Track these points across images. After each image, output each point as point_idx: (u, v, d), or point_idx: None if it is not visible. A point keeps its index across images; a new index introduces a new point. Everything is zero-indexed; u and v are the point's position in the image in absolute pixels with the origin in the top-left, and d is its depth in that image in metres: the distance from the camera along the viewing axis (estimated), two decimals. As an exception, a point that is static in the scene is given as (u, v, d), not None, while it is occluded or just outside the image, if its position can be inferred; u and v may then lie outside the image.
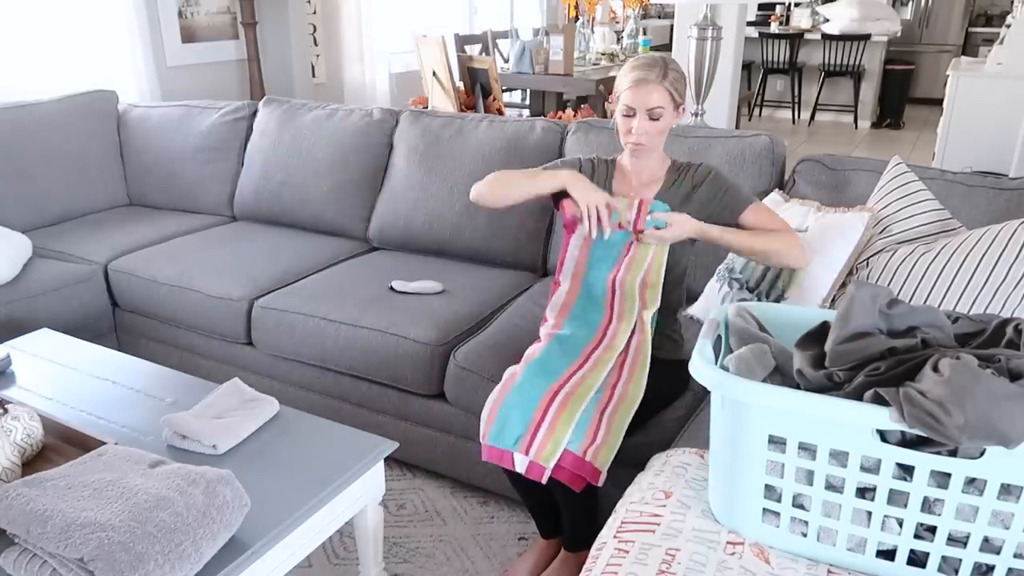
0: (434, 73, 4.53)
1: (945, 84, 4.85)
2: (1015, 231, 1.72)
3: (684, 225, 1.69)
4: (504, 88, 5.13)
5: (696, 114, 3.45)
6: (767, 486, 1.14)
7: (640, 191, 1.83)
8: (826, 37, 7.41)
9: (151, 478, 1.24)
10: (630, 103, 1.72)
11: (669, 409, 1.80)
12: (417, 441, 2.20)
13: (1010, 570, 1.03)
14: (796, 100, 7.87)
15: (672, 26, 5.12)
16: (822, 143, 6.99)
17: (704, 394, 1.84)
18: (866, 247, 1.93)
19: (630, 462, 1.70)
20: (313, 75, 4.79)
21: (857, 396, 1.04)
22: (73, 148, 3.10)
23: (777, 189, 2.19)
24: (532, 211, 2.49)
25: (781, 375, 1.20)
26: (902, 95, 7.73)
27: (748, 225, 1.78)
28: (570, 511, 1.74)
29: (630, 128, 1.74)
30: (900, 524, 1.07)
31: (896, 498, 1.05)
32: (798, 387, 1.13)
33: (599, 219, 1.69)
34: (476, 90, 4.61)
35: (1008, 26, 4.74)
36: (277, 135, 2.96)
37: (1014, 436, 0.92)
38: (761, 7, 8.53)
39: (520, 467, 1.57)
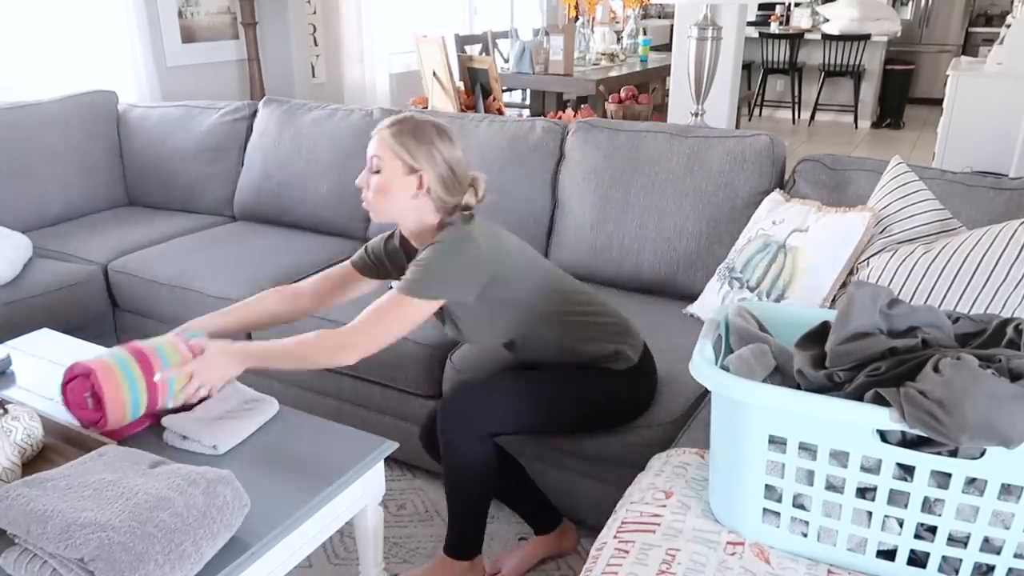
0: (434, 73, 4.53)
1: (945, 84, 4.85)
2: (1015, 231, 1.72)
3: (212, 372, 1.51)
4: (504, 88, 5.13)
5: (696, 114, 3.45)
6: (767, 486, 1.14)
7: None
8: (826, 37, 7.41)
9: (151, 478, 1.24)
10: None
11: (663, 412, 1.78)
12: (417, 441, 2.19)
13: (1010, 570, 1.03)
14: (796, 100, 7.87)
15: (672, 26, 5.12)
16: (822, 143, 7.00)
17: (704, 394, 1.84)
18: (866, 247, 1.93)
19: (629, 463, 1.70)
20: (313, 75, 4.79)
21: (858, 396, 1.04)
22: (73, 148, 3.10)
23: (778, 189, 2.19)
24: (533, 211, 2.49)
25: (781, 375, 1.20)
26: (902, 95, 7.73)
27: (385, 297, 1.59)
28: (517, 496, 1.83)
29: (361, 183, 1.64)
30: (900, 524, 1.07)
31: (896, 498, 1.05)
32: (798, 387, 1.13)
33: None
34: (476, 90, 4.61)
35: (1008, 26, 4.74)
36: (277, 135, 2.96)
37: (1014, 436, 0.92)
38: (761, 7, 8.53)
39: None
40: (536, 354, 1.74)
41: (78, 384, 1.50)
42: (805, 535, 1.14)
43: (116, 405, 1.47)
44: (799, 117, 7.96)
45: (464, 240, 1.59)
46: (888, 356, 1.06)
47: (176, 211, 3.19)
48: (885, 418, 0.99)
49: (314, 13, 4.77)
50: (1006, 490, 1.00)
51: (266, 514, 1.32)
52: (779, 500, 1.13)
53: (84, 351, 1.98)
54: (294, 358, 1.55)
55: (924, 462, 1.01)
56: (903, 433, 1.02)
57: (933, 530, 1.05)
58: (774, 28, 7.91)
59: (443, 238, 1.58)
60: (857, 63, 7.35)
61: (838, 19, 7.54)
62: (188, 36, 4.03)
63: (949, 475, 1.00)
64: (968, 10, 8.93)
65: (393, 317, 1.56)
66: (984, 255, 1.72)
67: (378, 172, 1.60)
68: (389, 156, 1.58)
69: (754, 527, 1.17)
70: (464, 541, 1.72)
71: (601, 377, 1.71)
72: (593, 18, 5.95)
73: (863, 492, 1.09)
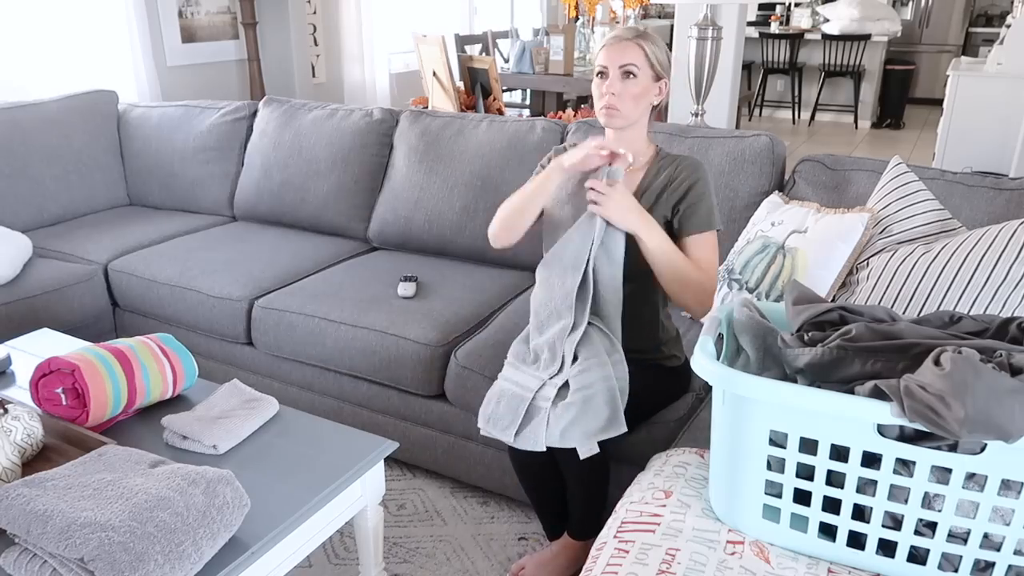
0: (434, 73, 4.53)
1: (945, 84, 4.85)
2: (1015, 231, 1.72)
3: (621, 210, 1.56)
4: (504, 88, 5.13)
5: (696, 114, 3.45)
6: (768, 482, 1.14)
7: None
8: (826, 37, 7.42)
9: (151, 478, 1.24)
10: (603, 63, 1.65)
11: (669, 411, 1.80)
12: (417, 441, 2.20)
13: (1010, 567, 1.03)
14: (796, 100, 7.87)
15: (672, 26, 5.12)
16: (822, 143, 7.00)
17: (705, 394, 1.85)
18: (866, 247, 1.93)
19: (630, 462, 1.70)
20: (313, 75, 4.79)
21: (836, 358, 1.09)
22: (73, 148, 3.10)
23: (777, 191, 2.19)
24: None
25: (781, 370, 1.20)
26: (902, 95, 7.73)
27: (688, 247, 1.67)
28: (581, 496, 1.75)
29: (603, 91, 1.66)
30: (900, 520, 1.07)
31: (896, 494, 1.06)
32: (795, 380, 1.14)
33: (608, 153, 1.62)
34: (476, 90, 4.61)
35: (1008, 26, 4.75)
36: (277, 135, 2.96)
37: (1014, 431, 0.93)
38: (761, 7, 8.54)
39: None
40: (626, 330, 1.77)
41: (51, 379, 1.53)
42: (805, 531, 1.14)
43: (99, 403, 1.51)
44: (799, 117, 7.96)
45: (707, 171, 1.72)
46: (843, 314, 1.17)
47: (176, 211, 3.19)
48: (886, 412, 0.99)
49: (314, 13, 4.77)
50: (1006, 485, 1.00)
51: (266, 514, 1.33)
52: (779, 496, 1.14)
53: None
54: (677, 268, 1.61)
55: (924, 457, 1.01)
56: (901, 427, 1.02)
57: (932, 527, 1.05)
58: (774, 28, 7.91)
59: (695, 167, 1.69)
60: (857, 63, 7.35)
61: (838, 19, 7.55)
62: (188, 36, 4.03)
63: (949, 470, 1.01)
64: (968, 10, 8.94)
65: (715, 253, 1.68)
66: (984, 255, 1.72)
67: (632, 77, 1.64)
68: (643, 62, 1.64)
69: (754, 524, 1.17)
70: (589, 523, 1.77)
71: (665, 375, 1.82)
72: (593, 18, 5.94)
73: (863, 487, 1.09)
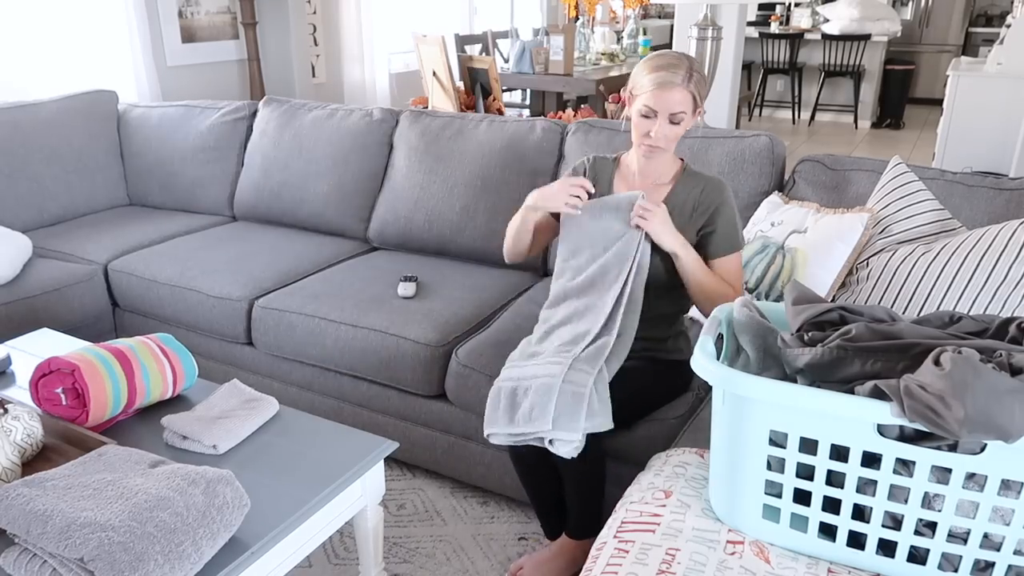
0: (434, 73, 4.53)
1: (945, 84, 4.85)
2: (1015, 231, 1.72)
3: (666, 230, 1.68)
4: (504, 88, 5.13)
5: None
6: (768, 482, 1.14)
7: (646, 193, 1.79)
8: (826, 37, 7.42)
9: (151, 478, 1.24)
10: (651, 105, 1.66)
11: (669, 409, 1.80)
12: (417, 441, 2.20)
13: (1009, 567, 1.03)
14: (796, 100, 7.87)
15: (672, 26, 5.12)
16: (822, 143, 7.00)
17: (705, 393, 1.85)
18: (866, 247, 1.93)
19: (630, 462, 1.70)
20: (313, 75, 4.79)
21: (836, 358, 1.09)
22: (73, 148, 3.10)
23: (777, 191, 2.19)
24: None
25: (782, 370, 1.20)
26: (902, 95, 7.73)
27: (716, 268, 1.75)
28: (578, 495, 1.75)
29: (648, 131, 1.68)
30: (900, 520, 1.07)
31: (896, 493, 1.06)
32: (795, 380, 1.14)
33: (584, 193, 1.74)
34: (476, 90, 4.61)
35: (1008, 26, 4.75)
36: (277, 135, 2.97)
37: (1013, 431, 0.93)
38: (761, 7, 8.54)
39: None
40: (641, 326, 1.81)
41: (51, 379, 1.54)
42: (805, 531, 1.14)
43: (99, 403, 1.52)
44: (799, 117, 7.96)
45: (730, 192, 1.80)
46: (843, 313, 1.17)
47: (176, 211, 3.19)
48: (886, 412, 0.99)
49: (314, 13, 4.77)
50: (1006, 485, 1.00)
51: (266, 514, 1.33)
52: (779, 496, 1.14)
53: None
54: (704, 284, 1.71)
55: (924, 457, 1.01)
56: (901, 427, 1.02)
57: (932, 527, 1.05)
58: (774, 28, 7.91)
59: (719, 189, 1.77)
60: (857, 63, 7.35)
61: (838, 19, 7.55)
62: (188, 36, 4.03)
63: (949, 470, 1.01)
64: (968, 10, 8.94)
65: (741, 268, 1.81)
66: (984, 255, 1.72)
67: (680, 123, 1.68)
68: (690, 105, 1.68)
69: (754, 524, 1.17)
70: (587, 523, 1.78)
71: (667, 368, 1.83)
72: (593, 18, 5.95)
73: (863, 487, 1.09)
